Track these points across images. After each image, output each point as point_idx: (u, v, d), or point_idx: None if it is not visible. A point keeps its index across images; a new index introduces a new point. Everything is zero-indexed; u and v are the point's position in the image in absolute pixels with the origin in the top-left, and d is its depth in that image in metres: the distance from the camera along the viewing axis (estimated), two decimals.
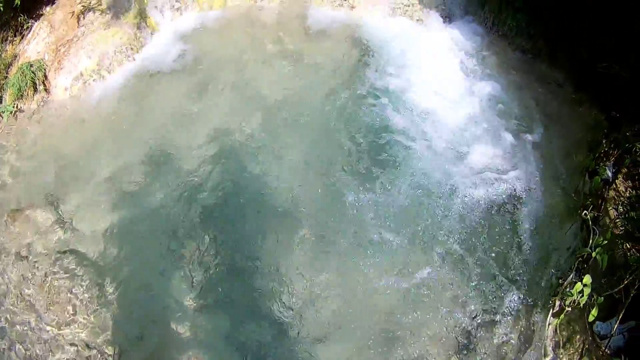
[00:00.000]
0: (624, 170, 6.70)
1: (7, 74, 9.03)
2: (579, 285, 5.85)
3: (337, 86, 8.95)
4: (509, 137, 8.14)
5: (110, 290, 7.11)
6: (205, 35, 9.78)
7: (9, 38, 9.34)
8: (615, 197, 6.59)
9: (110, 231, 7.55)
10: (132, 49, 9.28)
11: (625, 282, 5.65)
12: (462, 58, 9.12)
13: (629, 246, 6.04)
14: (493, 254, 7.11)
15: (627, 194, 6.52)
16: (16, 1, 8.69)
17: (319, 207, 7.60)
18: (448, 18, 9.55)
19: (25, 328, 6.91)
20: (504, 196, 7.59)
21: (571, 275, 6.38)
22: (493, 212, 7.47)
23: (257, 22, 9.95)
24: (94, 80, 9.00)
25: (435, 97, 8.69)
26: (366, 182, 7.76)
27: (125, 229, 7.58)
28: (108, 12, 9.20)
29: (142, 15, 9.50)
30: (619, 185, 6.64)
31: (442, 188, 7.70)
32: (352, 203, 7.58)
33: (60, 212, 7.81)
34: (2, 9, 8.63)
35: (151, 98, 8.91)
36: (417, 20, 9.67)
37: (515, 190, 7.63)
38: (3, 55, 9.15)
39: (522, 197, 7.56)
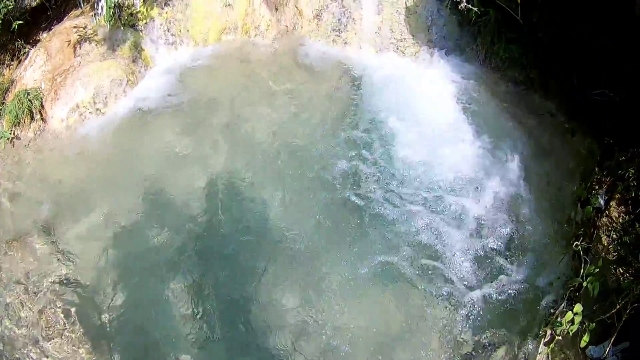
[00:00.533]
0: (617, 196, 6.60)
1: (4, 99, 9.03)
2: (569, 315, 5.66)
3: (331, 125, 8.92)
4: (500, 171, 8.03)
5: (108, 323, 6.98)
6: (200, 71, 9.75)
7: (6, 61, 9.39)
8: (608, 224, 6.39)
9: (107, 264, 7.44)
10: (127, 83, 9.24)
11: (618, 307, 5.52)
12: (454, 93, 9.04)
13: (622, 271, 5.90)
14: (483, 287, 6.96)
15: (620, 220, 6.38)
16: (13, 25, 8.75)
17: (314, 246, 7.49)
18: (440, 52, 9.51)
19: (24, 351, 6.79)
20: (495, 229, 7.47)
21: (563, 304, 6.22)
22: (483, 245, 7.34)
23: (251, 57, 9.96)
24: (90, 112, 8.96)
25: (427, 134, 8.61)
26: (359, 224, 7.68)
27: (123, 262, 7.47)
28: (104, 43, 9.23)
29: (137, 48, 9.52)
30: (611, 212, 6.44)
31: (431, 219, 7.61)
32: (348, 242, 7.50)
33: (57, 243, 7.70)
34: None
35: (147, 134, 8.84)
36: (410, 55, 9.66)
37: (506, 223, 7.50)
38: (0, 80, 9.18)
39: (513, 230, 7.43)
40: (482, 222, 7.60)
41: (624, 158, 6.74)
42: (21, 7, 9.00)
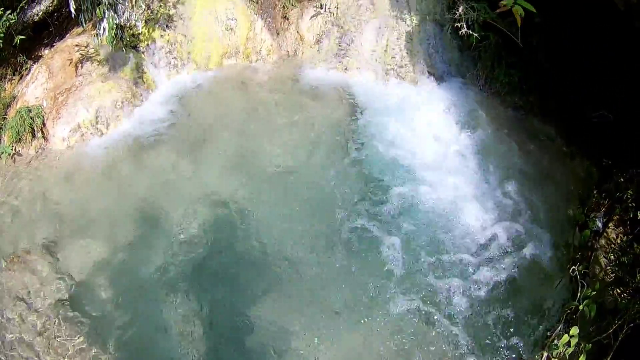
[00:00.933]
0: (615, 217, 6.51)
1: (5, 114, 9.06)
2: (565, 337, 5.58)
3: (331, 152, 8.89)
4: (499, 196, 8.03)
5: (109, 342, 6.93)
6: (201, 94, 9.79)
7: (8, 76, 9.45)
8: (606, 246, 6.34)
9: (108, 283, 7.42)
10: (129, 105, 9.25)
11: (614, 327, 5.40)
12: (455, 118, 9.06)
13: (619, 291, 5.79)
14: (480, 310, 6.92)
15: (619, 240, 6.28)
16: (15, 39, 8.83)
17: (313, 271, 7.45)
18: (441, 78, 9.52)
19: None
20: (493, 253, 7.45)
21: (559, 327, 6.11)
22: (481, 268, 7.31)
23: (252, 83, 9.97)
24: (91, 133, 8.97)
25: (427, 160, 8.63)
26: (358, 250, 7.64)
27: (121, 282, 7.44)
28: (105, 63, 9.27)
29: (139, 70, 9.56)
30: (610, 234, 6.39)
31: (432, 247, 7.58)
32: (348, 267, 7.47)
33: (58, 261, 7.68)
34: (1, 45, 8.73)
35: (147, 157, 8.84)
36: (410, 81, 9.63)
37: (504, 246, 7.49)
38: (2, 95, 9.21)
39: (512, 253, 7.40)
40: (481, 247, 7.58)
41: (622, 179, 6.70)
42: (23, 22, 9.11)
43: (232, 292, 7.35)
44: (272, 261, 7.61)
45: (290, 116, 9.48)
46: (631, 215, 6.30)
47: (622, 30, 6.99)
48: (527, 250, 7.41)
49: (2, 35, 8.67)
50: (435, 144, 8.88)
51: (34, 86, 9.13)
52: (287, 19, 10.28)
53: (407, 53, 9.66)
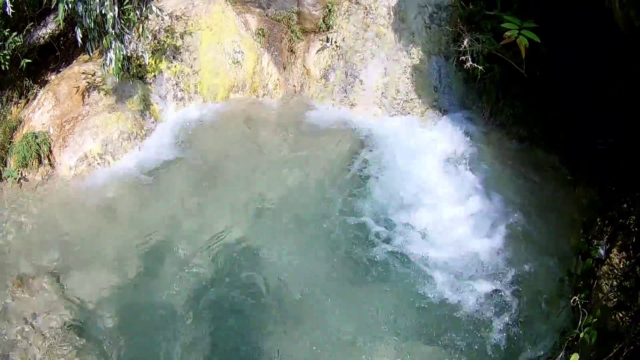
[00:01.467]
0: (619, 243, 6.32)
1: (12, 137, 9.11)
2: None
3: (336, 187, 8.89)
4: (502, 228, 7.99)
5: None
6: (208, 129, 9.79)
7: (14, 99, 9.50)
8: (609, 271, 6.17)
9: (113, 312, 7.41)
10: (136, 137, 9.28)
11: (615, 351, 5.21)
12: (460, 151, 9.03)
13: (621, 315, 5.59)
14: (481, 338, 6.91)
15: (621, 265, 6.09)
16: (22, 62, 8.94)
17: (320, 303, 7.43)
18: (446, 111, 9.51)
19: None
20: (496, 283, 7.46)
21: (561, 354, 5.88)
22: (482, 297, 7.32)
23: (258, 118, 9.99)
24: (98, 163, 8.99)
25: (433, 193, 8.63)
26: (364, 281, 7.66)
27: (129, 312, 7.44)
28: (112, 94, 9.33)
29: (145, 102, 9.60)
30: (612, 259, 6.21)
31: (434, 277, 7.58)
32: (354, 300, 7.46)
33: (64, 288, 7.69)
34: (7, 67, 8.81)
35: (153, 189, 8.85)
36: (417, 115, 9.64)
37: (507, 277, 7.50)
38: (8, 118, 9.27)
39: (514, 283, 7.41)
40: (484, 277, 7.57)
41: (625, 205, 6.54)
42: (29, 44, 9.22)
43: (237, 325, 7.27)
44: (277, 296, 7.55)
45: (296, 152, 9.47)
46: (634, 240, 6.14)
47: (626, 53, 6.98)
48: (530, 281, 7.40)
49: (8, 57, 8.77)
50: (441, 177, 8.86)
51: (40, 112, 9.19)
52: (294, 52, 10.39)
53: (412, 87, 9.68)
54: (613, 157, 7.09)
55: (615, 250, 6.29)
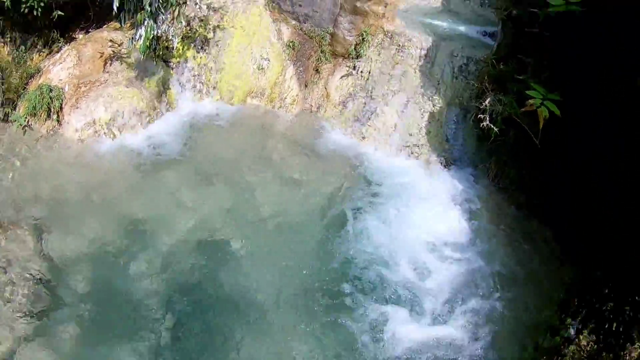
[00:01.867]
0: (590, 326, 6.24)
1: (27, 84, 9.18)
2: None
3: (330, 217, 8.89)
4: (484, 294, 7.94)
5: (66, 333, 7.04)
6: (219, 128, 9.84)
7: (38, 47, 9.57)
8: (576, 352, 6.13)
9: (86, 277, 7.56)
10: (147, 117, 9.34)
11: None
12: (458, 208, 9.00)
13: None
14: None
15: (589, 348, 6.00)
16: (54, 13, 8.99)
17: (291, 321, 7.50)
18: (453, 164, 9.49)
19: None
20: (464, 349, 7.35)
21: None
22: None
23: (270, 128, 10.04)
24: (104, 133, 9.04)
25: (423, 244, 8.57)
26: (340, 313, 7.66)
27: (101, 281, 7.58)
28: (134, 69, 9.41)
29: (164, 85, 9.67)
30: (581, 340, 6.17)
31: (408, 330, 7.54)
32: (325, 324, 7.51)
33: (43, 243, 7.78)
34: (39, 14, 8.83)
35: (153, 175, 8.90)
36: (423, 161, 9.61)
37: (475, 344, 7.40)
38: (28, 63, 9.32)
39: (481, 349, 7.30)
40: (455, 339, 7.50)
41: (607, 290, 6.44)
42: None
43: (209, 325, 7.34)
44: (253, 306, 7.60)
45: (300, 173, 9.49)
46: (606, 326, 6.05)
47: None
48: (497, 349, 7.26)
49: (42, 4, 8.80)
50: (433, 230, 8.77)
51: (60, 67, 9.27)
52: (319, 72, 10.47)
53: (426, 133, 9.70)
54: (608, 246, 6.99)
55: (585, 332, 6.22)
